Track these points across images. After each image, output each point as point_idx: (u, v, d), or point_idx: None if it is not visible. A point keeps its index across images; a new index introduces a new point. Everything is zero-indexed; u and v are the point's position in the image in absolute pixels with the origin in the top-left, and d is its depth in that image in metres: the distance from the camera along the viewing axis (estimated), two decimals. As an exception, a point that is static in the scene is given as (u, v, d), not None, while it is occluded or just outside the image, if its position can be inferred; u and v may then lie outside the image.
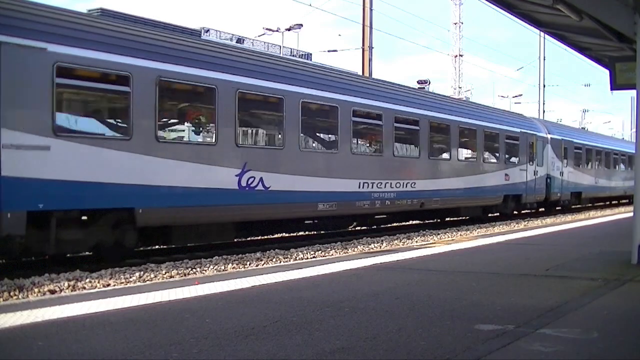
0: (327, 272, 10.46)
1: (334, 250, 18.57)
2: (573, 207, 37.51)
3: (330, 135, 21.67)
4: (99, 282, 13.21)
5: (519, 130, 31.33)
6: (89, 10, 16.06)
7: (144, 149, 14.55)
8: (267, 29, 49.89)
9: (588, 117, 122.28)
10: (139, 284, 12.75)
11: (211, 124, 16.98)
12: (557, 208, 36.10)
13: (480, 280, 10.06)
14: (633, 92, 12.41)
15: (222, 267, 15.51)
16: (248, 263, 16.23)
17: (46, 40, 12.89)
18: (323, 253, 18.04)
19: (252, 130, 19.55)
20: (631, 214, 12.43)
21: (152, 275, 14.38)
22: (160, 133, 15.50)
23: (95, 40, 14.17)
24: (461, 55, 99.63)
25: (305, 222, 22.65)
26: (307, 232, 23.79)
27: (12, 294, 11.39)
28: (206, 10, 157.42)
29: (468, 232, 23.67)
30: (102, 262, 14.85)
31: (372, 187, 21.51)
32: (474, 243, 15.69)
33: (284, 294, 8.60)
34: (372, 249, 18.81)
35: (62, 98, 13.98)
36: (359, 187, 20.96)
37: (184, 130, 18.24)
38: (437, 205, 24.87)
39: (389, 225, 25.75)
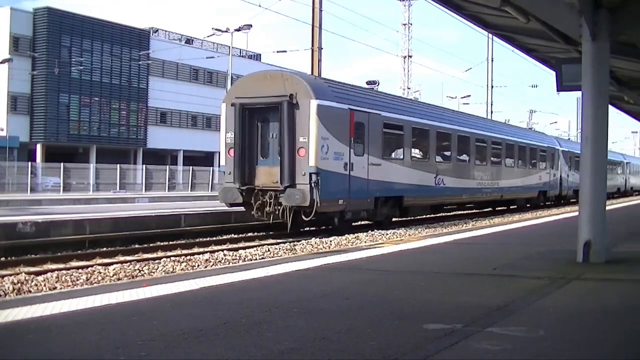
0: (276, 273, 10.46)
1: (282, 251, 18.58)
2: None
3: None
4: (44, 285, 13.09)
5: (547, 145, 45.14)
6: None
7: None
8: (216, 29, 49.71)
9: (535, 117, 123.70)
10: (86, 286, 12.66)
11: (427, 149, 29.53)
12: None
13: (428, 279, 10.15)
14: (579, 93, 12.62)
15: (171, 269, 15.45)
16: (196, 264, 16.18)
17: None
18: (272, 254, 18.06)
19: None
20: (577, 214, 12.62)
21: (100, 278, 14.29)
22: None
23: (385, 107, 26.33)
24: (410, 56, 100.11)
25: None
26: (255, 233, 23.77)
27: (-48, 298, 11.22)
28: (155, 9, 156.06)
29: (416, 232, 23.82)
30: (47, 264, 14.71)
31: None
32: (423, 243, 15.80)
33: (233, 295, 8.60)
34: (321, 249, 18.85)
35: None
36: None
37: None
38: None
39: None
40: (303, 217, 21.78)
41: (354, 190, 23.08)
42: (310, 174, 21.20)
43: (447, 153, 31.28)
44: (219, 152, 23.97)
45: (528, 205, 41.19)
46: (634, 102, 28.24)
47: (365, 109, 24.14)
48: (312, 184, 21.17)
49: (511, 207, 39.76)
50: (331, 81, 25.31)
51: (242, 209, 23.20)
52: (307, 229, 24.02)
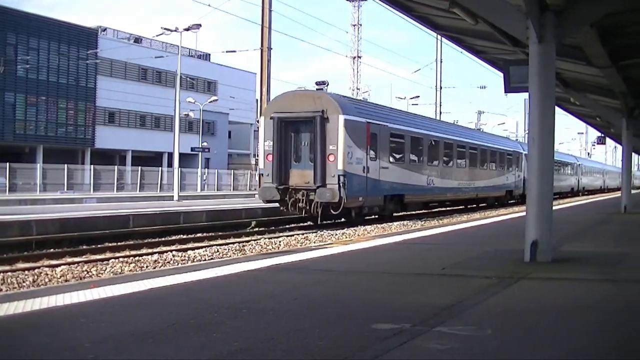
0: (225, 274, 10.43)
1: (231, 252, 18.55)
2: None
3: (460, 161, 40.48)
4: (-11, 288, 12.89)
5: (512, 150, 51.00)
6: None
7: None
8: (165, 28, 49.29)
9: (483, 118, 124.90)
10: (32, 288, 12.51)
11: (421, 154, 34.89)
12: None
13: (377, 280, 10.20)
14: (526, 95, 12.76)
15: (119, 270, 15.34)
16: (145, 265, 16.09)
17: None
18: (221, 254, 18.01)
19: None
20: (524, 214, 12.77)
21: (47, 280, 14.13)
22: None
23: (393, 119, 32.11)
24: (360, 57, 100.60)
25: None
26: (204, 234, 23.72)
27: None
28: (103, 8, 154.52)
29: (366, 232, 23.97)
30: None
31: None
32: (372, 243, 15.84)
33: (182, 296, 8.55)
34: (270, 249, 18.87)
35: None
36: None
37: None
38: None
39: (287, 225, 25.96)
40: (332, 211, 26.59)
41: (370, 189, 28.27)
42: (339, 176, 26.11)
43: (436, 157, 36.79)
44: (258, 157, 30.21)
45: (496, 202, 46.48)
46: (580, 103, 28.73)
47: (377, 121, 29.49)
48: (340, 184, 26.03)
49: (481, 204, 44.55)
50: (352, 99, 33.72)
51: (277, 205, 27.71)
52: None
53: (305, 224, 28.25)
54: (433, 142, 36.19)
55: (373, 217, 30.21)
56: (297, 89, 29.82)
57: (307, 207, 26.56)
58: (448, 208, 41.56)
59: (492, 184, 45.23)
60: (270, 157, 27.19)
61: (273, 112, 27.36)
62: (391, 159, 30.79)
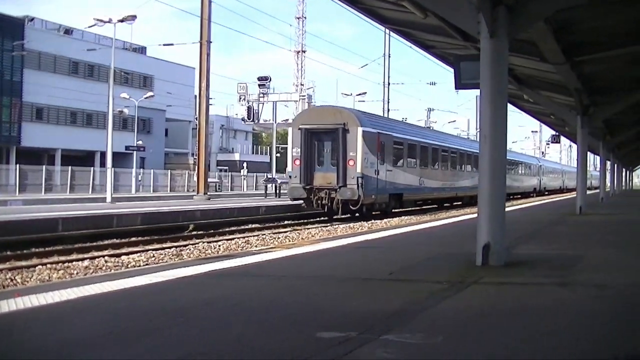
0: (161, 280, 10.36)
1: (168, 257, 18.46)
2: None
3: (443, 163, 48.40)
4: None
5: None
6: None
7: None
8: (97, 19, 48.75)
9: (433, 115, 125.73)
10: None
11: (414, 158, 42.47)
12: None
13: (322, 285, 10.21)
14: (478, 91, 12.82)
15: (47, 277, 15.16)
16: (75, 272, 15.93)
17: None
18: (156, 259, 17.91)
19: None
20: (476, 215, 12.86)
21: (-34, 288, 13.89)
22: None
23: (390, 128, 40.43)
24: (304, 51, 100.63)
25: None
26: (139, 238, 23.54)
27: None
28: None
29: (310, 235, 24.05)
30: None
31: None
32: (317, 247, 15.84)
33: (116, 304, 8.48)
34: (209, 254, 18.83)
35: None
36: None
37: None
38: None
39: (227, 229, 25.93)
40: (351, 207, 33.76)
41: (379, 189, 35.53)
42: (357, 178, 33.20)
43: (425, 161, 44.34)
44: (287, 161, 36.86)
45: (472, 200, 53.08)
46: (533, 101, 29.13)
47: (384, 131, 37.08)
48: (359, 184, 33.11)
49: (456, 203, 51.81)
50: (367, 113, 41.41)
51: (301, 202, 35.30)
52: (194, 233, 26.34)
53: (248, 226, 29.34)
54: (423, 148, 43.94)
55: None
56: (322, 105, 38.10)
57: (329, 204, 33.50)
58: (433, 206, 48.10)
59: (469, 184, 51.04)
60: (297, 162, 34.12)
61: (300, 124, 34.52)
62: (394, 163, 38.16)
